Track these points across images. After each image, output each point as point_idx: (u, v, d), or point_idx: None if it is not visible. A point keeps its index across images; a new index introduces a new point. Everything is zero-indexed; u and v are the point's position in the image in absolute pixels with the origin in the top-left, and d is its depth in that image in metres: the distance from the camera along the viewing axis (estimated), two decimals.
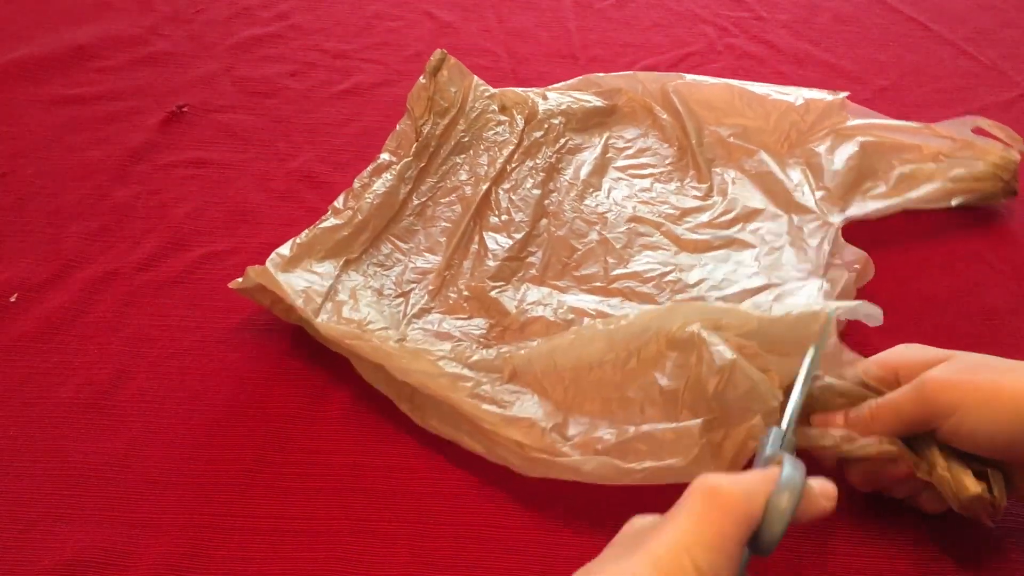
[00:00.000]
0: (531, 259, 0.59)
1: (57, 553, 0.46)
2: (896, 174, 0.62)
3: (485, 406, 0.47)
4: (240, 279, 0.54)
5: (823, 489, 0.38)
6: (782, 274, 0.57)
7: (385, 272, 0.57)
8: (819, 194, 0.61)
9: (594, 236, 0.60)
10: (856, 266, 0.56)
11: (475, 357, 0.51)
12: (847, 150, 0.63)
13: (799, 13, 0.86)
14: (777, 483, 0.36)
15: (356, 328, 0.51)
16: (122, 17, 0.80)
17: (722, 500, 0.34)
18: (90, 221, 0.62)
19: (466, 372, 0.49)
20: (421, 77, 0.65)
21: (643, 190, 0.64)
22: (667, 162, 0.66)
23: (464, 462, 0.50)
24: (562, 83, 0.71)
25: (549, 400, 0.49)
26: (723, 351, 0.44)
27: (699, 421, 0.44)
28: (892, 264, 0.61)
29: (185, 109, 0.71)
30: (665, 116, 0.68)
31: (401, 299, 0.56)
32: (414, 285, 0.57)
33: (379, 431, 0.52)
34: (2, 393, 0.52)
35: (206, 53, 0.77)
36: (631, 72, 0.71)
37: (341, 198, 0.60)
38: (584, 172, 0.65)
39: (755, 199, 0.62)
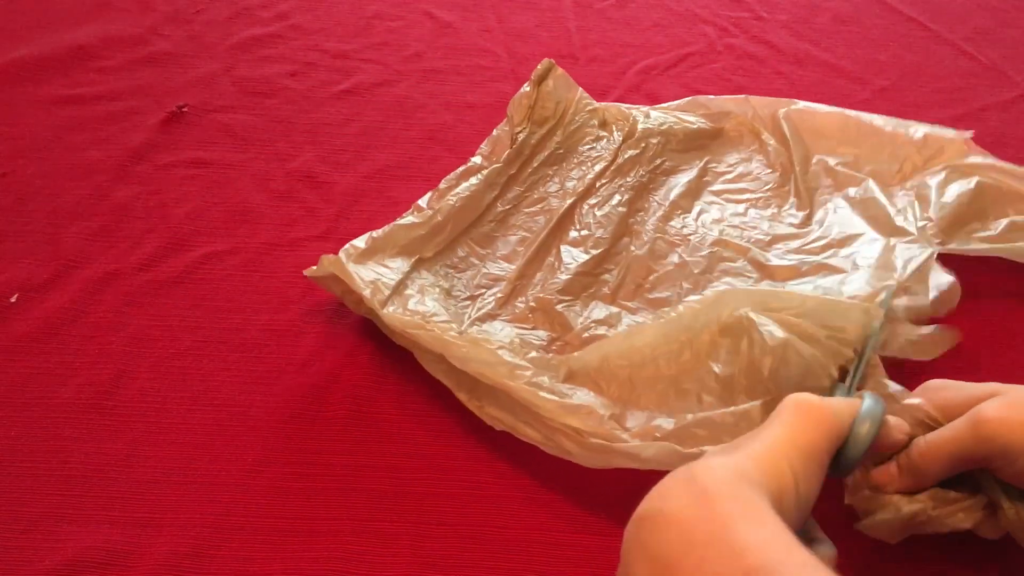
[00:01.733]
0: (605, 276, 0.58)
1: (58, 553, 0.46)
2: (1007, 222, 0.59)
3: (543, 394, 0.48)
4: (315, 267, 0.55)
5: (898, 423, 0.41)
6: (860, 286, 0.54)
7: (457, 275, 0.58)
8: (922, 223, 0.58)
9: (674, 259, 0.59)
10: (941, 289, 0.54)
11: (532, 354, 0.51)
12: (961, 187, 0.60)
13: (799, 13, 0.86)
14: (859, 411, 0.39)
15: (420, 319, 0.52)
16: (122, 17, 0.80)
17: (815, 413, 0.36)
18: (90, 221, 0.62)
19: (524, 363, 0.49)
20: (525, 85, 0.65)
21: (735, 215, 0.62)
22: (767, 188, 0.64)
23: (465, 462, 0.50)
24: (669, 103, 0.70)
25: (605, 396, 0.49)
26: (774, 331, 0.45)
27: (758, 403, 0.45)
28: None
29: (185, 109, 0.71)
30: (772, 142, 0.66)
31: (468, 302, 0.56)
32: (484, 290, 0.57)
33: (380, 431, 0.52)
34: (3, 393, 0.52)
35: (206, 53, 0.77)
36: (743, 96, 0.68)
37: (426, 197, 0.60)
38: (675, 193, 0.63)
39: (854, 225, 0.60)
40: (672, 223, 0.61)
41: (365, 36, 0.80)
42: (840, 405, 0.38)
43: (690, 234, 0.61)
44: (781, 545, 0.30)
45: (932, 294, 0.53)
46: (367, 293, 0.53)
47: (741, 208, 0.63)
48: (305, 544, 0.47)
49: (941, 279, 0.55)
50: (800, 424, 0.36)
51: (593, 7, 0.86)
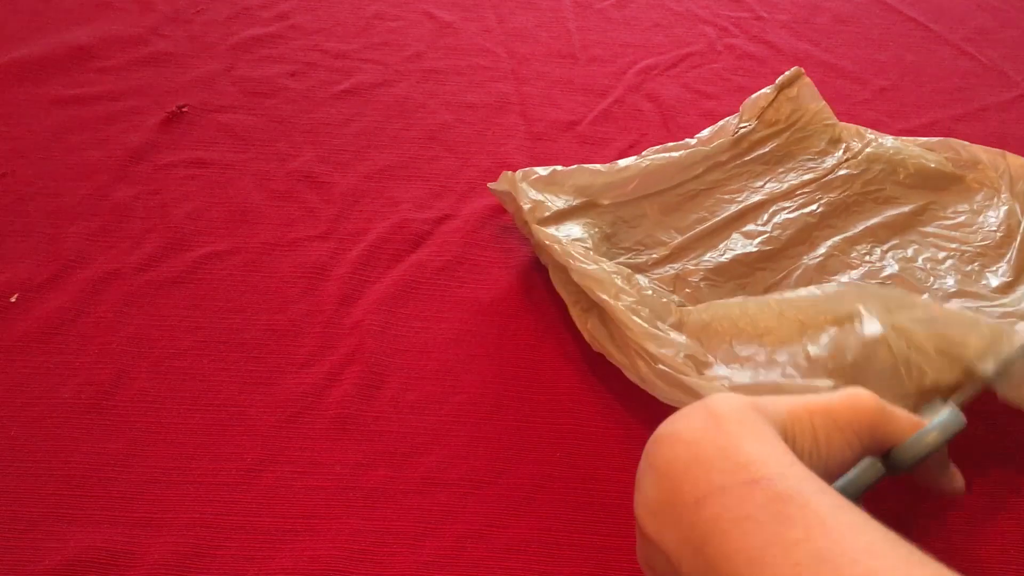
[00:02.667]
0: (763, 272, 0.58)
1: (58, 553, 0.46)
2: None
3: (635, 318, 0.50)
4: (495, 182, 0.59)
5: (959, 474, 0.41)
6: None
7: (625, 227, 0.60)
8: None
9: (841, 279, 0.58)
10: None
11: (648, 292, 0.53)
12: None
13: (799, 13, 0.86)
14: (932, 421, 0.38)
15: (564, 239, 0.55)
16: (122, 17, 0.80)
17: (860, 401, 0.37)
18: (90, 221, 0.62)
19: (630, 290, 0.52)
20: (767, 87, 0.66)
21: (930, 259, 0.60)
22: (982, 243, 0.61)
23: (465, 461, 0.50)
24: (917, 138, 0.67)
25: (701, 346, 0.50)
26: (874, 324, 0.45)
27: (830, 383, 0.45)
28: None
29: (185, 109, 0.71)
30: (1010, 204, 0.63)
31: (624, 251, 0.59)
32: (644, 248, 0.60)
33: (379, 431, 0.52)
34: (3, 393, 0.52)
35: (206, 53, 0.77)
36: (1001, 151, 0.66)
37: (629, 159, 0.63)
38: (876, 221, 0.62)
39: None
40: (858, 247, 0.60)
41: (365, 36, 0.80)
42: (900, 413, 0.38)
43: (872, 261, 0.59)
44: (785, 459, 0.32)
45: None
46: (527, 207, 0.57)
47: (941, 255, 0.60)
48: (305, 544, 0.47)
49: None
50: (843, 403, 0.37)
51: (593, 7, 0.86)
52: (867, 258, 0.60)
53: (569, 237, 0.56)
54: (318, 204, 0.65)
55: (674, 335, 0.50)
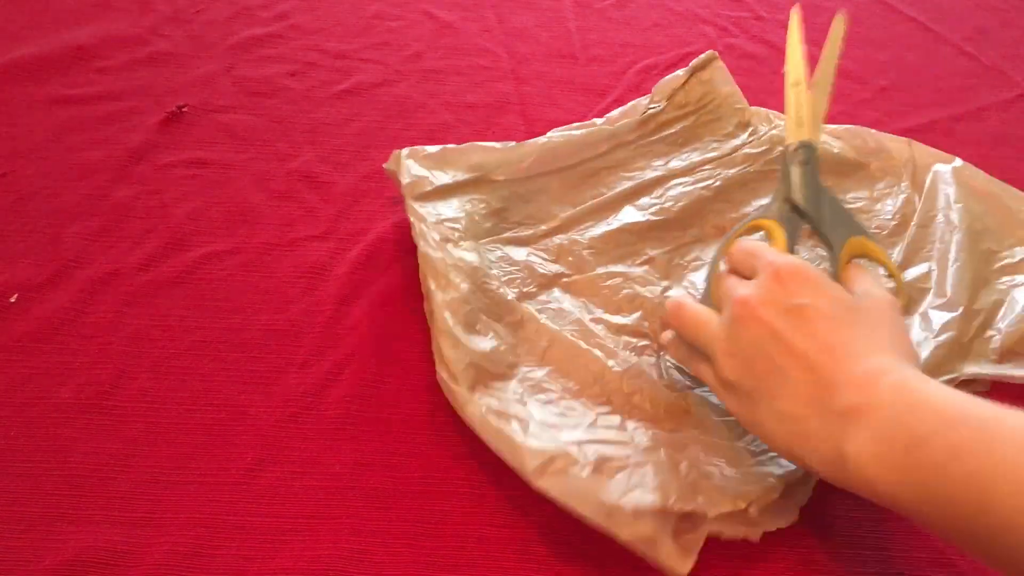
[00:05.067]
0: (650, 242, 0.59)
1: (58, 553, 0.46)
2: None
3: (447, 313, 0.50)
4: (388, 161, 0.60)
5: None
6: None
7: (519, 202, 0.60)
8: (989, 334, 0.56)
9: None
10: None
11: (493, 285, 0.54)
12: None
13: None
14: None
15: (433, 218, 0.56)
16: (122, 17, 0.79)
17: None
18: (90, 221, 0.62)
19: (464, 287, 0.52)
20: (680, 70, 0.67)
21: (815, 245, 0.60)
22: (872, 229, 0.62)
23: (466, 461, 0.50)
24: (829, 125, 0.68)
25: (517, 354, 0.51)
26: None
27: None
28: None
29: (185, 109, 0.71)
30: (907, 193, 0.64)
31: (512, 225, 0.59)
32: (534, 221, 0.60)
33: (380, 431, 0.52)
34: (2, 393, 0.52)
35: (206, 53, 0.77)
36: (907, 140, 0.67)
37: (534, 139, 0.63)
38: (767, 200, 0.60)
39: (923, 300, 0.57)
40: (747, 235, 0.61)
41: (365, 36, 0.80)
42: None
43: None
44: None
45: None
46: (405, 182, 0.57)
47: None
48: (305, 544, 0.47)
49: None
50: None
51: (593, 7, 0.86)
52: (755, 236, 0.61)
53: (440, 216, 0.56)
54: (318, 204, 0.65)
55: (477, 340, 0.50)
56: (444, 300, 0.51)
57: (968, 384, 0.54)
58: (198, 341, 0.56)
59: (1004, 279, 0.60)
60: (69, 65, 0.74)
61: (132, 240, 0.61)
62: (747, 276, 0.46)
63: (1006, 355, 0.55)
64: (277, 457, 0.50)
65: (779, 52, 0.82)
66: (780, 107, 0.76)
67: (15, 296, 0.57)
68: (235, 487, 0.49)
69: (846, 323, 0.42)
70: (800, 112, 0.54)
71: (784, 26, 0.80)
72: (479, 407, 0.47)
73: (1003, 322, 0.57)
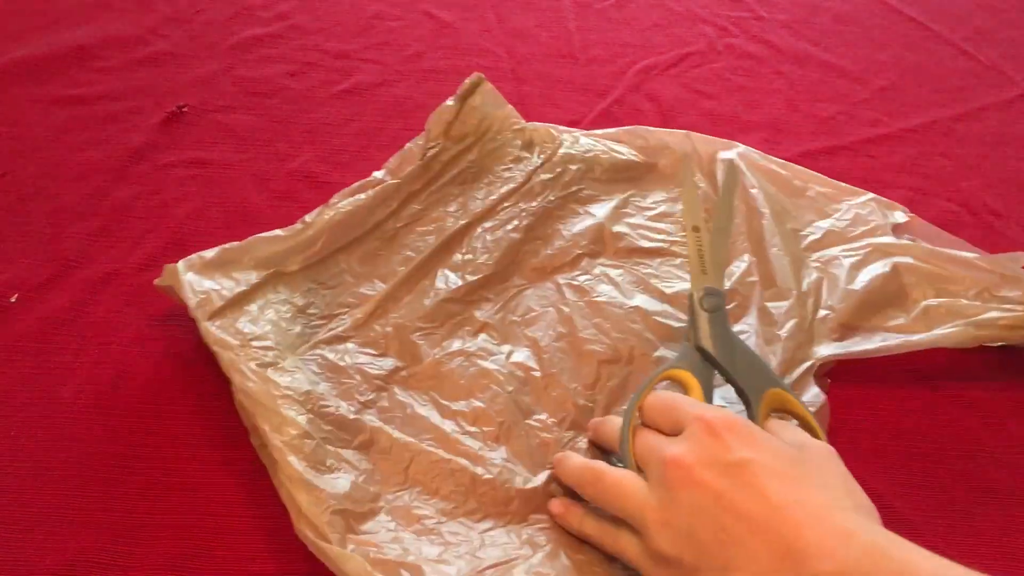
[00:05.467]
0: (480, 305, 0.56)
1: (59, 554, 0.46)
2: (922, 306, 0.56)
3: (293, 458, 0.45)
4: (159, 277, 0.53)
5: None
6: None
7: (324, 291, 0.55)
8: (822, 313, 0.56)
9: (556, 299, 0.56)
10: (811, 408, 0.51)
11: (333, 408, 0.49)
12: (874, 270, 0.58)
13: (799, 13, 0.86)
14: None
15: (238, 340, 0.50)
16: (122, 17, 0.79)
17: None
18: (90, 221, 0.62)
19: (301, 420, 0.47)
20: (449, 99, 0.63)
21: (640, 263, 0.59)
22: (684, 233, 0.60)
23: None
24: (605, 130, 0.67)
25: (376, 481, 0.47)
26: None
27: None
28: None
29: (185, 109, 0.71)
30: (703, 186, 0.63)
31: (324, 321, 0.54)
32: (346, 310, 0.54)
33: None
34: (2, 393, 0.52)
35: (206, 53, 0.77)
36: (684, 132, 0.66)
37: (314, 212, 0.58)
38: (580, 227, 0.61)
39: (754, 294, 0.57)
40: (570, 269, 0.58)
41: (365, 36, 0.80)
42: None
43: (585, 282, 0.58)
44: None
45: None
46: (193, 303, 0.51)
47: (649, 261, 0.59)
48: (304, 544, 0.47)
49: (812, 392, 0.53)
50: None
51: (593, 7, 0.86)
52: (579, 278, 0.58)
53: (245, 336, 0.50)
54: (318, 204, 0.65)
55: (332, 479, 0.45)
56: (284, 443, 0.46)
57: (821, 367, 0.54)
58: (198, 342, 0.55)
59: (815, 255, 0.59)
60: (69, 65, 0.74)
61: (132, 240, 0.61)
62: (669, 432, 0.43)
63: (845, 332, 0.55)
64: None
65: (779, 52, 0.82)
66: (782, 99, 0.76)
67: (15, 296, 0.57)
68: (236, 488, 0.49)
69: (795, 478, 0.38)
70: (702, 257, 0.52)
71: (784, 26, 0.80)
72: (361, 564, 0.41)
73: (832, 299, 0.56)
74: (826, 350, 0.54)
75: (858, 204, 0.62)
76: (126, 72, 0.75)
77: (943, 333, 0.54)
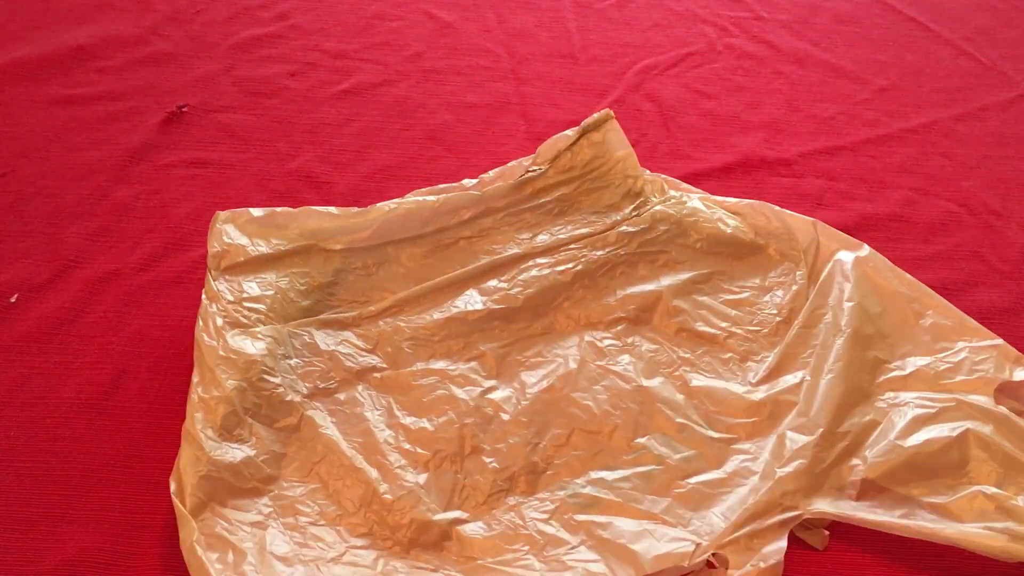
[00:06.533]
0: (486, 333, 0.54)
1: (59, 553, 0.46)
2: (973, 490, 0.47)
3: (197, 414, 0.47)
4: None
5: None
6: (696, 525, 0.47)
7: (355, 276, 0.55)
8: (852, 462, 0.49)
9: (571, 354, 0.53)
10: (766, 560, 0.45)
11: (276, 382, 0.49)
12: (938, 431, 0.49)
13: (799, 13, 0.86)
14: None
15: (232, 296, 0.51)
16: (122, 17, 0.79)
17: None
18: (90, 221, 0.62)
19: (230, 384, 0.48)
20: (571, 129, 0.61)
21: (681, 345, 0.55)
22: (751, 328, 0.56)
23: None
24: (731, 199, 0.61)
25: (280, 468, 0.47)
26: None
27: None
28: None
29: (185, 109, 0.71)
30: (802, 282, 0.57)
31: (339, 303, 0.54)
32: (364, 300, 0.55)
33: None
34: (3, 393, 0.52)
35: (206, 53, 0.77)
36: (813, 220, 0.59)
37: (383, 202, 0.58)
38: (635, 290, 0.57)
39: (786, 418, 0.51)
40: (604, 328, 0.55)
41: (365, 36, 0.80)
42: None
43: (610, 347, 0.54)
44: None
45: (745, 569, 0.45)
46: (212, 251, 0.52)
47: (693, 352, 0.55)
48: None
49: (773, 546, 0.46)
50: None
51: (593, 7, 0.86)
52: (604, 343, 0.54)
53: (242, 295, 0.51)
54: (318, 204, 0.65)
55: (228, 448, 0.46)
56: (202, 399, 0.47)
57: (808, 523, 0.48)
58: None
59: (887, 395, 0.52)
60: (70, 65, 0.74)
61: (132, 240, 0.61)
62: None
63: (868, 491, 0.48)
64: None
65: (779, 52, 0.82)
66: (782, 99, 0.76)
67: (15, 296, 0.57)
68: None
69: None
70: None
71: (784, 26, 0.80)
72: (191, 533, 0.43)
73: (871, 449, 0.49)
74: (825, 507, 0.47)
75: (975, 348, 0.53)
76: (126, 72, 0.75)
77: (976, 533, 0.45)
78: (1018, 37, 0.85)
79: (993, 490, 0.46)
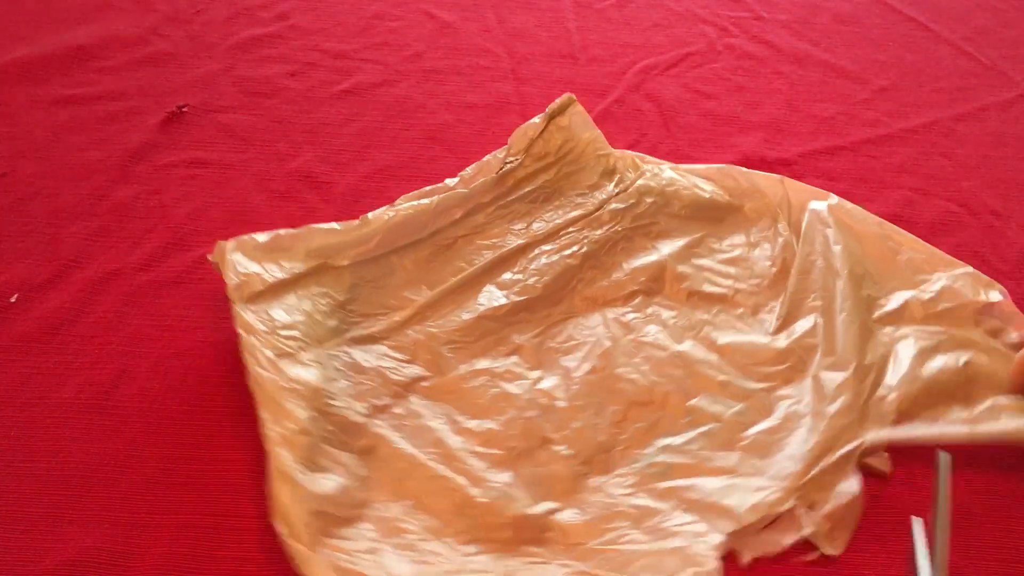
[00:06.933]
0: (517, 326, 0.55)
1: (59, 553, 0.46)
2: (989, 403, 0.52)
3: (284, 452, 0.45)
4: (211, 253, 0.54)
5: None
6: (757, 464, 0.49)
7: (370, 289, 0.55)
8: (882, 392, 0.52)
9: (600, 331, 0.55)
10: (839, 500, 0.47)
11: (339, 405, 0.49)
12: (944, 362, 0.53)
13: (799, 13, 0.86)
14: None
15: (266, 326, 0.50)
16: (122, 17, 0.80)
17: None
18: (90, 221, 0.62)
19: (303, 415, 0.47)
20: (536, 117, 0.62)
21: (697, 308, 0.57)
22: (752, 281, 0.58)
23: None
24: (695, 165, 0.64)
25: (370, 490, 0.47)
26: None
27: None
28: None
29: (185, 109, 0.71)
30: (786, 234, 0.60)
31: (361, 318, 0.54)
32: (387, 311, 0.55)
33: None
34: (3, 393, 0.52)
35: (206, 53, 0.77)
36: (779, 177, 0.63)
37: (378, 211, 0.58)
38: (641, 262, 0.59)
39: (813, 360, 0.53)
40: (622, 303, 0.57)
41: (365, 36, 0.80)
42: None
43: (634, 320, 0.56)
44: None
45: (826, 507, 0.47)
46: (234, 282, 0.52)
47: (708, 314, 0.57)
48: None
49: (847, 483, 0.48)
50: None
51: (593, 7, 0.86)
52: (626, 316, 0.56)
53: (275, 323, 0.51)
54: (318, 204, 0.65)
55: (320, 480, 0.45)
56: (280, 435, 0.46)
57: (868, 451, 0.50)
58: (198, 341, 0.56)
59: (887, 329, 0.55)
60: (70, 65, 0.74)
61: (132, 240, 0.61)
62: None
63: (902, 417, 0.51)
64: None
65: (779, 52, 0.82)
66: (782, 99, 0.76)
67: (15, 296, 0.57)
68: (235, 488, 0.49)
69: None
70: None
71: (784, 26, 0.80)
72: (324, 571, 0.42)
73: (894, 378, 0.52)
74: (878, 434, 0.50)
75: (950, 276, 0.57)
76: (126, 72, 0.75)
77: (1016, 426, 0.50)
78: (1018, 37, 0.85)
79: (1005, 399, 0.52)
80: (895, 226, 0.61)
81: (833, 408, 0.50)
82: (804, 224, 0.60)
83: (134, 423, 0.51)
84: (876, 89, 0.78)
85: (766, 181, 0.63)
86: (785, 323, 0.56)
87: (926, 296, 0.56)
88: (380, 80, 0.76)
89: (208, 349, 0.55)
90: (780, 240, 0.60)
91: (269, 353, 0.49)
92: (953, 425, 0.51)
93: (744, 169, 0.64)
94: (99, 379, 0.53)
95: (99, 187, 0.65)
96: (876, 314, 0.56)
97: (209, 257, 0.54)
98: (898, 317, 0.56)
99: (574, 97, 0.63)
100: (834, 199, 0.61)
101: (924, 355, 0.54)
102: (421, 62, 0.78)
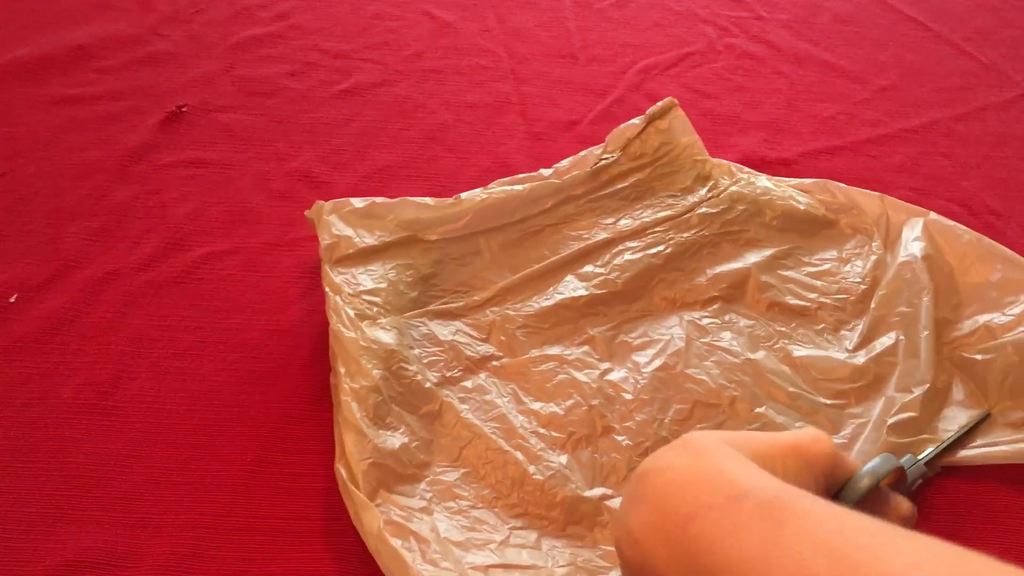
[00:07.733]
0: (592, 318, 0.55)
1: (58, 554, 0.46)
2: None
3: (354, 404, 0.48)
4: (310, 209, 0.57)
5: (899, 504, 0.40)
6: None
7: (453, 266, 0.57)
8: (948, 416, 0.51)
9: (676, 330, 0.55)
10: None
11: (412, 370, 0.50)
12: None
13: (799, 13, 0.86)
14: (865, 467, 0.39)
15: (351, 288, 0.53)
16: (122, 17, 0.79)
17: (823, 442, 0.37)
18: (90, 221, 0.62)
19: (376, 373, 0.49)
20: (637, 118, 0.63)
21: (776, 320, 0.56)
22: (838, 296, 0.58)
23: None
24: (798, 179, 0.63)
25: (431, 453, 0.48)
26: None
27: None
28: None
29: (185, 109, 0.71)
30: (880, 253, 0.59)
31: (443, 293, 0.56)
32: (468, 289, 0.56)
33: None
34: (2, 393, 0.52)
35: (206, 53, 0.77)
36: (880, 194, 0.62)
37: (470, 192, 0.59)
38: (725, 268, 0.58)
39: (890, 380, 0.53)
40: (700, 308, 0.57)
41: (365, 36, 0.80)
42: (846, 457, 0.39)
43: (710, 324, 0.56)
44: (766, 476, 0.33)
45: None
46: (325, 243, 0.54)
47: (787, 327, 0.56)
48: (304, 544, 0.47)
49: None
50: (810, 443, 0.36)
51: (593, 7, 0.86)
52: (703, 320, 0.56)
53: (359, 287, 0.53)
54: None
55: (386, 435, 0.47)
56: (352, 388, 0.48)
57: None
58: (198, 341, 0.56)
59: (949, 351, 0.55)
60: (69, 65, 0.74)
61: (132, 240, 0.61)
62: None
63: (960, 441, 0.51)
64: (276, 458, 0.50)
65: (779, 52, 0.82)
66: (782, 99, 0.76)
67: (15, 296, 0.57)
68: (235, 488, 0.49)
69: None
70: None
71: (784, 26, 0.80)
72: (377, 519, 0.43)
73: (948, 411, 0.52)
74: (933, 451, 0.50)
75: None
76: (126, 72, 0.75)
77: None
78: (1018, 37, 0.85)
79: None
80: (995, 243, 0.58)
81: (894, 420, 0.50)
82: (900, 241, 0.59)
83: (134, 423, 0.51)
84: (876, 89, 0.78)
85: (864, 198, 0.61)
86: (866, 340, 0.55)
87: (1003, 320, 0.54)
88: (380, 80, 0.76)
89: (208, 348, 0.55)
90: (873, 258, 0.59)
91: (351, 312, 0.52)
92: (1012, 445, 0.50)
93: (843, 185, 0.62)
94: (99, 379, 0.53)
95: (99, 187, 0.65)
96: (946, 338, 0.55)
97: (306, 213, 0.56)
98: (962, 344, 0.54)
99: (676, 101, 0.63)
100: (932, 215, 0.60)
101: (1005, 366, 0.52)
102: (421, 62, 0.78)
